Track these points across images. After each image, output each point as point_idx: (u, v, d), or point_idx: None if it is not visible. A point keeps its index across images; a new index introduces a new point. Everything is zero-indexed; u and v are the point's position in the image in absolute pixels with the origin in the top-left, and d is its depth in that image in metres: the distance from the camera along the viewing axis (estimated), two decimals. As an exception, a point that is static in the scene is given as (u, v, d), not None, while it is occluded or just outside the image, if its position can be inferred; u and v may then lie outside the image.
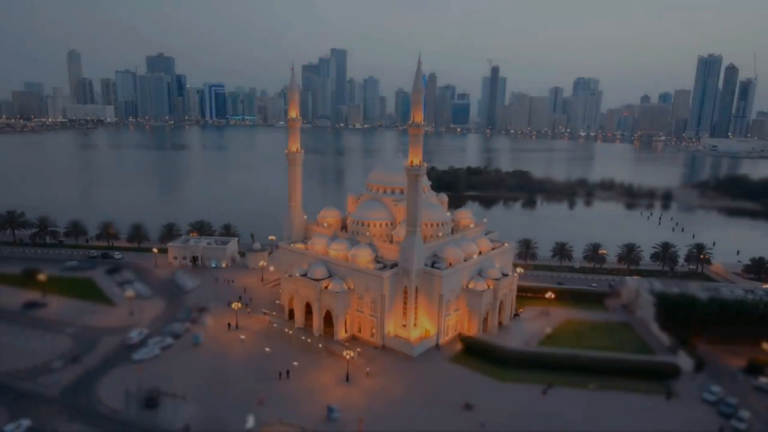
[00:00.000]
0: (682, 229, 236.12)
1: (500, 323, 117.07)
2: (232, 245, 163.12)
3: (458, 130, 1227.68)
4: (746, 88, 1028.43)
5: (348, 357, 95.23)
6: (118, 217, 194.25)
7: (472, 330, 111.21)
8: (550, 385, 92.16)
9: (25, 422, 78.40)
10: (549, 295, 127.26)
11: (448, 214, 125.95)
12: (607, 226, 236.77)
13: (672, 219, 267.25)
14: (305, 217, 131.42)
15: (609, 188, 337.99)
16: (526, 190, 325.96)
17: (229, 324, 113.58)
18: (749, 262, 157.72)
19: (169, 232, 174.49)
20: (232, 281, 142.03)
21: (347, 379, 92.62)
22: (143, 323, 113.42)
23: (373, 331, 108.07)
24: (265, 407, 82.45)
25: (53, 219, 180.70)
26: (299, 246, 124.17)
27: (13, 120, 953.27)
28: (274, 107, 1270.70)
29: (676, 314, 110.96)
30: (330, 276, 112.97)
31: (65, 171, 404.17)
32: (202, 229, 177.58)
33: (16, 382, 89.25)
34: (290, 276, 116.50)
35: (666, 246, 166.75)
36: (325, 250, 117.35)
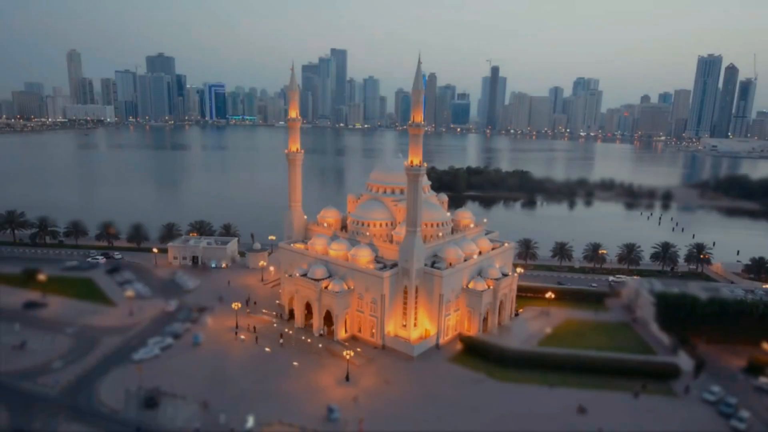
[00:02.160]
0: (682, 229, 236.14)
1: (500, 323, 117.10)
2: (232, 245, 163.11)
3: (458, 130, 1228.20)
4: (746, 88, 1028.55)
5: (348, 357, 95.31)
6: (118, 217, 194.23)
7: (472, 330, 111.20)
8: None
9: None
10: (549, 295, 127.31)
11: (448, 214, 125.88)
12: (607, 226, 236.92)
13: (672, 219, 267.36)
14: (305, 217, 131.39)
15: (609, 188, 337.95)
16: (526, 190, 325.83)
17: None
18: (749, 262, 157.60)
19: (169, 232, 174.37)
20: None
21: (347, 379, 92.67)
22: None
23: (373, 331, 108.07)
24: (265, 407, 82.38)
25: (53, 219, 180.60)
26: (299, 246, 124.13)
27: (13, 120, 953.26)
28: (274, 107, 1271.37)
29: (676, 314, 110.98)
30: (330, 276, 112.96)
31: (65, 171, 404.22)
32: (202, 229, 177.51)
33: (16, 382, 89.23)
34: (290, 276, 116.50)
35: (666, 246, 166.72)
36: (325, 250, 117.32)
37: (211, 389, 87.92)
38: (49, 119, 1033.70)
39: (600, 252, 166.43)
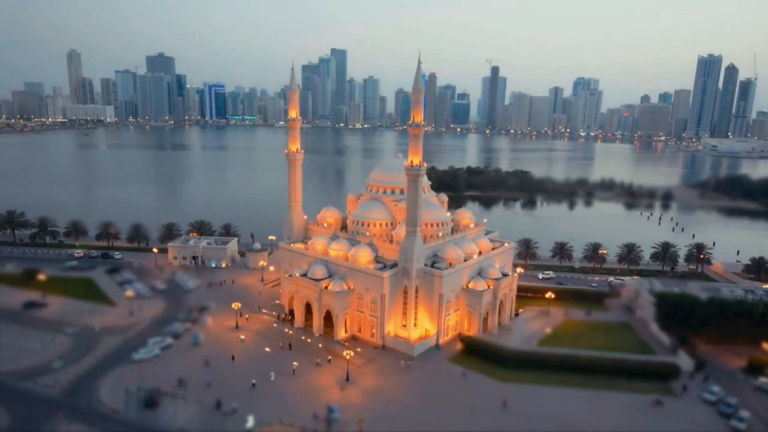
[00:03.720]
0: (682, 229, 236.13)
1: (500, 323, 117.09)
2: (232, 245, 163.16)
3: (458, 130, 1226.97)
4: (746, 88, 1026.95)
5: (348, 357, 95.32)
6: (118, 217, 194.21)
7: (472, 330, 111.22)
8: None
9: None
10: (549, 295, 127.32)
11: (448, 214, 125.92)
12: (607, 226, 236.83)
13: (672, 219, 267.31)
14: (305, 217, 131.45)
15: (609, 188, 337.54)
16: (526, 190, 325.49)
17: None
18: (749, 262, 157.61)
19: (169, 232, 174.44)
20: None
21: (347, 379, 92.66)
22: (144, 321, 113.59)
23: (373, 331, 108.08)
24: (266, 407, 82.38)
25: (53, 219, 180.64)
26: (299, 246, 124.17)
27: (13, 120, 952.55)
28: (274, 107, 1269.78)
29: (676, 314, 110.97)
30: (330, 276, 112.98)
31: (65, 171, 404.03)
32: (202, 229, 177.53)
33: (16, 382, 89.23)
34: (290, 276, 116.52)
35: (666, 246, 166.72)
36: (325, 250, 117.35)
37: (211, 389, 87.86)
38: (49, 119, 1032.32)
39: (600, 252, 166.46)
